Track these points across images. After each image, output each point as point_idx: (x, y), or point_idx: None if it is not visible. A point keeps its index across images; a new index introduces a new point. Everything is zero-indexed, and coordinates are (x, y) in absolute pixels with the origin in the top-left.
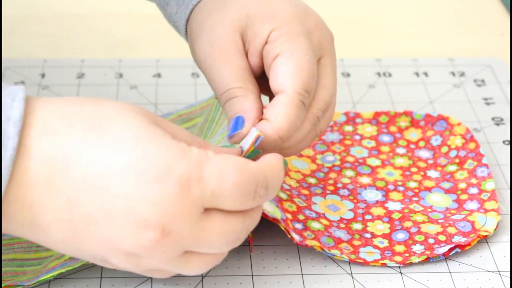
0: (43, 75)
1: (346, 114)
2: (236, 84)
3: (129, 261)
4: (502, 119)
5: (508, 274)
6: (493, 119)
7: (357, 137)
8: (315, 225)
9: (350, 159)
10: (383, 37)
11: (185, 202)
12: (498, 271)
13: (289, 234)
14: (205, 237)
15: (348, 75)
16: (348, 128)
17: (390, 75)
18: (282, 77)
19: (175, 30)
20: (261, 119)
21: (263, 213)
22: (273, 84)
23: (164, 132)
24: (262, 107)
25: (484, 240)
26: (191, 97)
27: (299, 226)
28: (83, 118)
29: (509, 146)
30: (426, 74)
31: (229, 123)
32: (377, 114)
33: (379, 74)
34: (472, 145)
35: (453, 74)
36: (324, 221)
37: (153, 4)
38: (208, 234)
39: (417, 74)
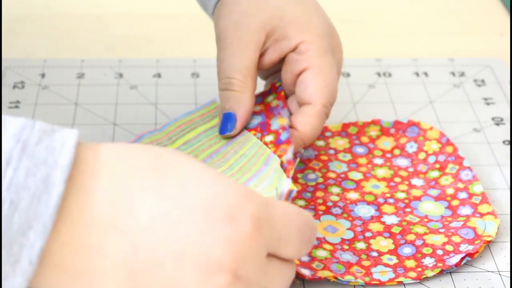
0: (43, 75)
1: None
2: (239, 76)
3: None
4: (502, 119)
5: (508, 274)
6: (493, 119)
7: (332, 152)
8: (321, 253)
9: (332, 175)
10: (383, 37)
11: (257, 242)
12: (498, 271)
13: (299, 272)
14: (267, 283)
15: (348, 75)
16: (320, 143)
17: (390, 75)
18: (312, 90)
19: (203, 8)
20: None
21: None
22: (303, 95)
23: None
24: (253, 106)
25: None
26: (191, 97)
27: (305, 258)
28: (142, 158)
29: (509, 146)
30: (426, 74)
31: (221, 115)
32: (345, 126)
33: (379, 74)
34: (449, 149)
35: (453, 74)
36: (328, 246)
37: (153, 4)
38: (270, 280)
39: (417, 74)
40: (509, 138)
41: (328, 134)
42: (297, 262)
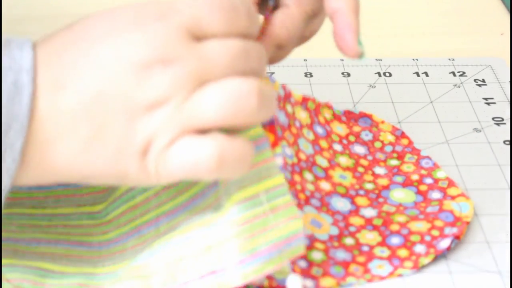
0: None
1: (283, 87)
2: None
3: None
4: (502, 119)
5: (508, 274)
6: (493, 119)
7: (297, 124)
8: (316, 255)
9: (302, 156)
10: (383, 37)
11: (168, 29)
12: (498, 271)
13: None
14: (206, 53)
15: (348, 75)
16: (288, 107)
17: (390, 75)
18: None
19: None
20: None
21: (270, 278)
22: (334, 4)
23: None
24: None
25: (484, 240)
26: None
27: (303, 264)
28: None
29: (509, 146)
30: (426, 74)
31: None
32: (305, 99)
33: (379, 74)
34: (405, 141)
35: (454, 74)
36: (320, 245)
37: None
38: (209, 50)
39: (417, 74)
40: (509, 138)
41: (292, 100)
42: (297, 270)
